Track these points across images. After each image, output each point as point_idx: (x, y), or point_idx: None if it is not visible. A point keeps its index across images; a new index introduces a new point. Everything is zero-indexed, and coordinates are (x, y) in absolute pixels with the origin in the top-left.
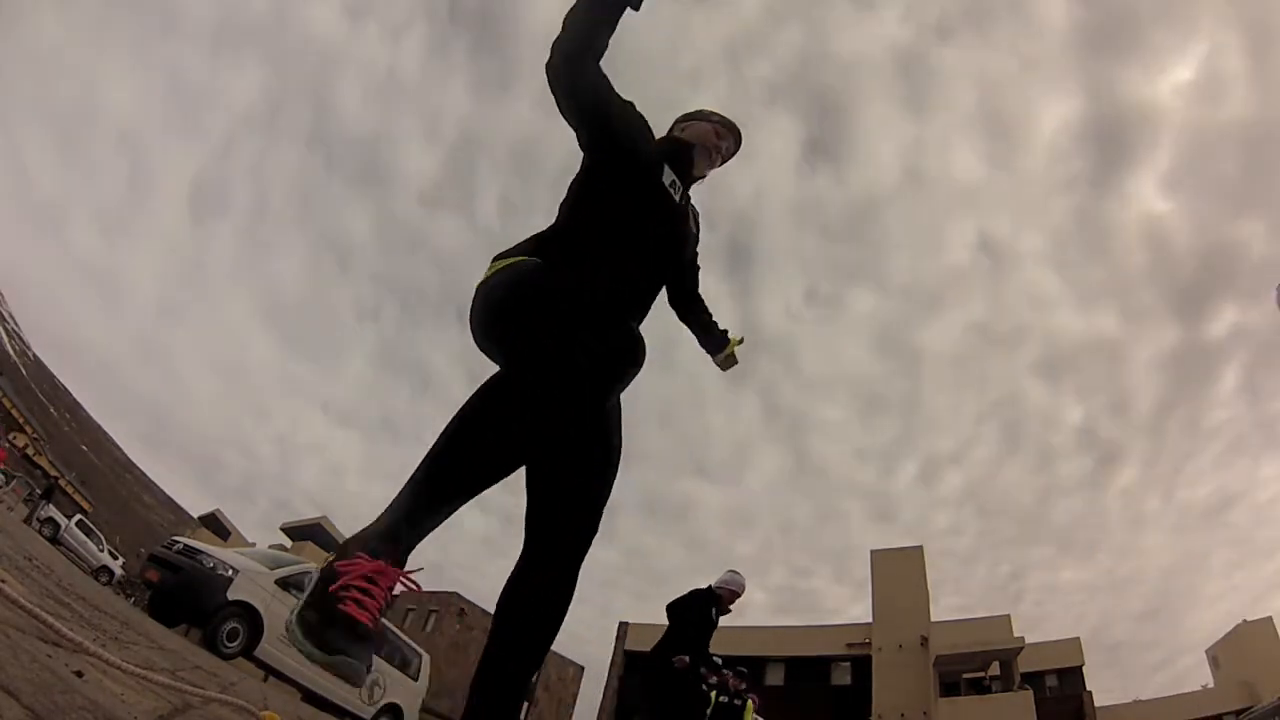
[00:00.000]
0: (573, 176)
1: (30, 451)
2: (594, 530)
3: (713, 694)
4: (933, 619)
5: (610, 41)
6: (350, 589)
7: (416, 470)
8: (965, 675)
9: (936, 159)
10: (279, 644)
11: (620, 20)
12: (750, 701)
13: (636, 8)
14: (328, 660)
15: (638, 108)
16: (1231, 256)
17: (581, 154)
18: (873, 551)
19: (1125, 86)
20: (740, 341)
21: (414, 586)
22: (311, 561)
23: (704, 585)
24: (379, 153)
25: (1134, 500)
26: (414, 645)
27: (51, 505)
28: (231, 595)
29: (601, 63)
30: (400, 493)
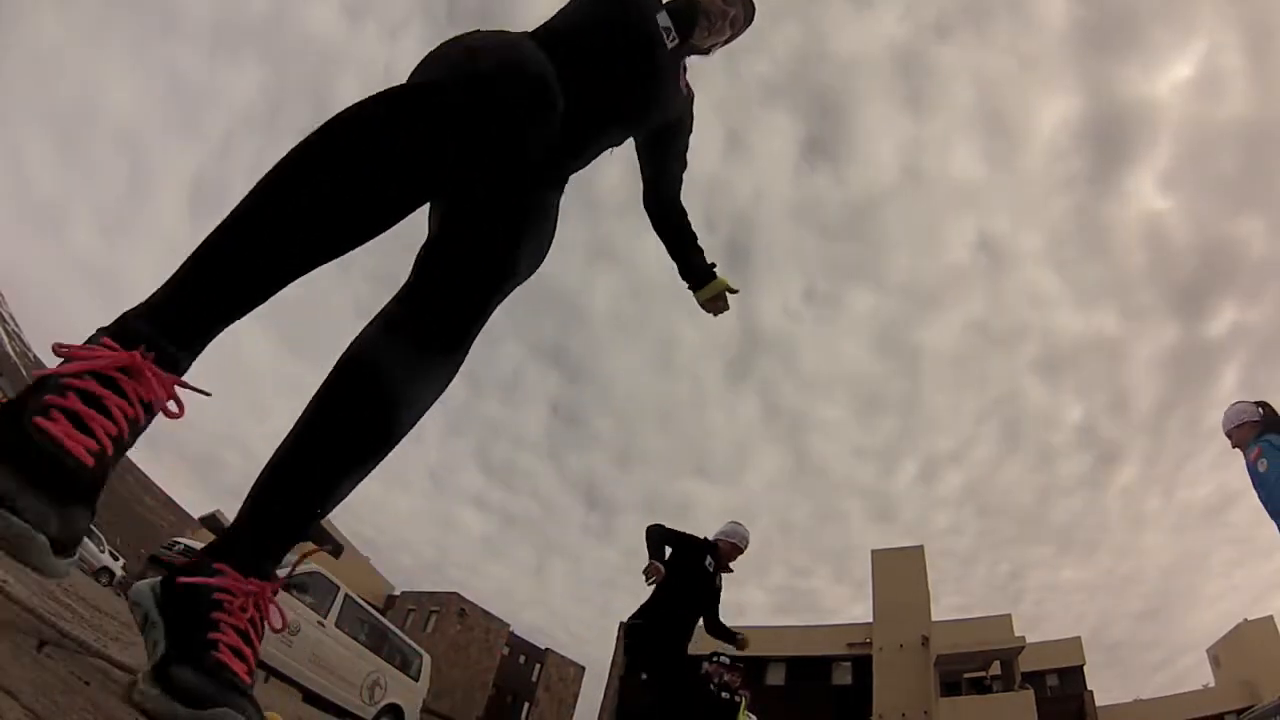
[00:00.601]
0: None
1: None
2: (470, 323)
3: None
4: (933, 619)
5: None
6: (66, 393)
7: (235, 211)
8: (966, 675)
9: (935, 158)
10: (279, 644)
11: None
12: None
13: None
14: None
15: None
16: (1231, 254)
17: None
18: (873, 551)
19: (1124, 84)
20: (732, 289)
21: (201, 391)
22: (313, 561)
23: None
24: None
25: (1134, 499)
26: (414, 645)
27: None
28: None
29: None
30: (202, 249)
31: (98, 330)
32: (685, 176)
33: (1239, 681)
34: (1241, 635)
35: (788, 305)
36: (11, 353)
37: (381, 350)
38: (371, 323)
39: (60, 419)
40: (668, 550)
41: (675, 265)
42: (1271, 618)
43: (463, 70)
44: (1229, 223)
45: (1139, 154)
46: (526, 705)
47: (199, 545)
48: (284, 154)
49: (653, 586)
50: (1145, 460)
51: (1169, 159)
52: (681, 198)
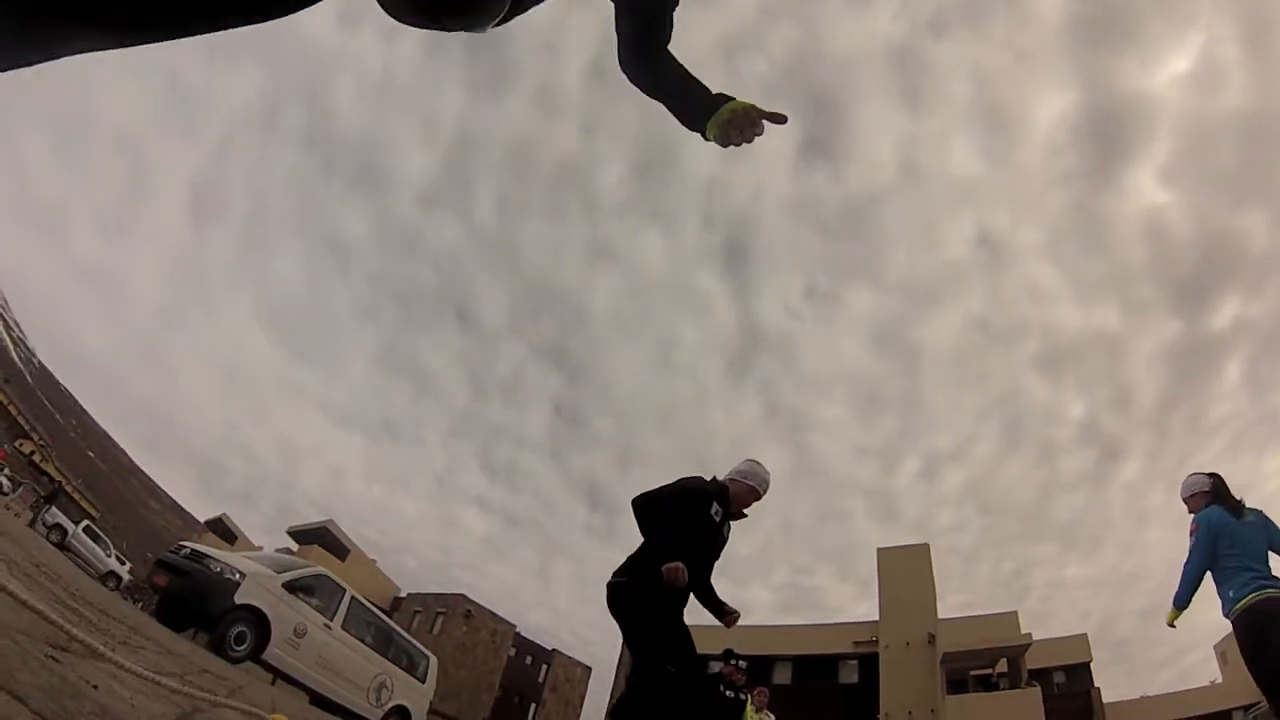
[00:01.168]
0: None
1: (37, 458)
2: None
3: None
4: (939, 616)
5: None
6: None
7: None
8: (972, 672)
9: (933, 154)
10: (287, 647)
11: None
12: (751, 697)
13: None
14: None
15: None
16: (1232, 248)
17: None
18: (879, 550)
19: (1122, 78)
20: (767, 111)
21: None
22: (318, 565)
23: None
24: (376, 153)
25: (1137, 495)
26: (421, 647)
27: (56, 510)
28: (239, 599)
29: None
30: None
31: None
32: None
33: (1246, 677)
34: None
35: (788, 304)
36: (17, 359)
37: None
38: None
39: None
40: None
41: (678, 115)
42: None
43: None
44: (1230, 216)
45: (1138, 148)
46: (533, 706)
47: (205, 549)
48: None
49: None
50: (1148, 456)
51: (1168, 153)
52: None
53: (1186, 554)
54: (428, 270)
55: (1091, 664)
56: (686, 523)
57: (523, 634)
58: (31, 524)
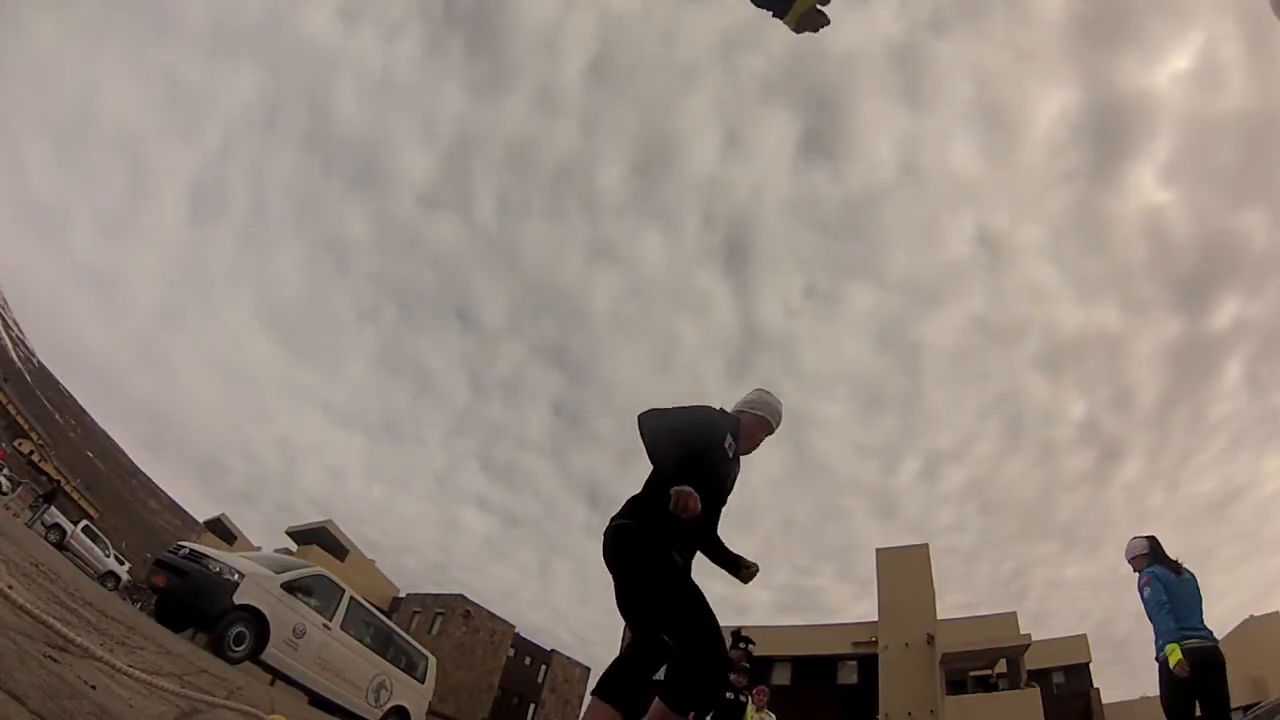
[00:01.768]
0: None
1: (36, 458)
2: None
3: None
4: (938, 617)
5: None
6: None
7: None
8: (972, 673)
9: (933, 153)
10: (286, 648)
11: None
12: (751, 696)
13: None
14: None
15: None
16: (1233, 247)
17: None
18: (878, 550)
19: (1122, 77)
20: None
21: None
22: (317, 565)
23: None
24: (376, 153)
25: (1138, 495)
26: (420, 648)
27: (55, 510)
28: (238, 599)
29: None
30: None
31: None
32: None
33: (1245, 678)
34: (1248, 631)
35: (788, 303)
36: (16, 359)
37: None
38: None
39: None
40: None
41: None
42: (1278, 613)
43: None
44: (1230, 215)
45: (1138, 147)
46: (532, 706)
47: (204, 549)
48: None
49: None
50: (1149, 456)
51: (1169, 152)
52: None
53: (1143, 605)
54: (428, 270)
55: (1091, 664)
56: (701, 451)
57: (522, 634)
58: (30, 524)
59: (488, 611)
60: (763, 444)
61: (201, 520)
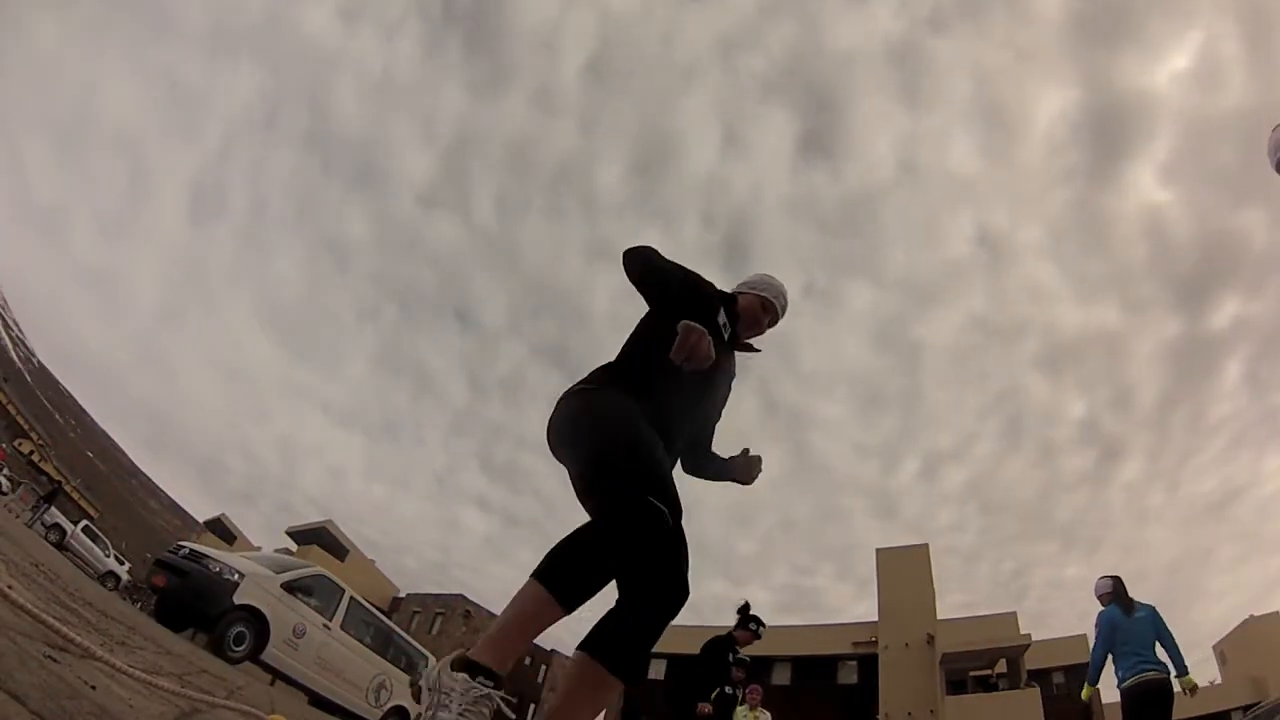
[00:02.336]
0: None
1: (36, 458)
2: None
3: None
4: (938, 617)
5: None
6: None
7: None
8: (972, 673)
9: (932, 152)
10: (285, 648)
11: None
12: (744, 694)
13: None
14: None
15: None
16: (1233, 247)
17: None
18: (878, 550)
19: (1122, 76)
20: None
21: None
22: (317, 565)
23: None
24: (375, 153)
25: (1138, 495)
26: (420, 648)
27: (55, 510)
28: (238, 599)
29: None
30: None
31: None
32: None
33: (1246, 677)
34: (1248, 631)
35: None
36: (16, 359)
37: None
38: None
39: None
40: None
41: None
42: (1278, 613)
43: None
44: (1230, 215)
45: (1138, 146)
46: (532, 707)
47: (204, 549)
48: None
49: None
50: (1149, 455)
51: (1168, 151)
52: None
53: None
54: (427, 270)
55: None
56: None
57: None
58: (30, 524)
59: (488, 611)
60: (765, 334)
61: (201, 520)
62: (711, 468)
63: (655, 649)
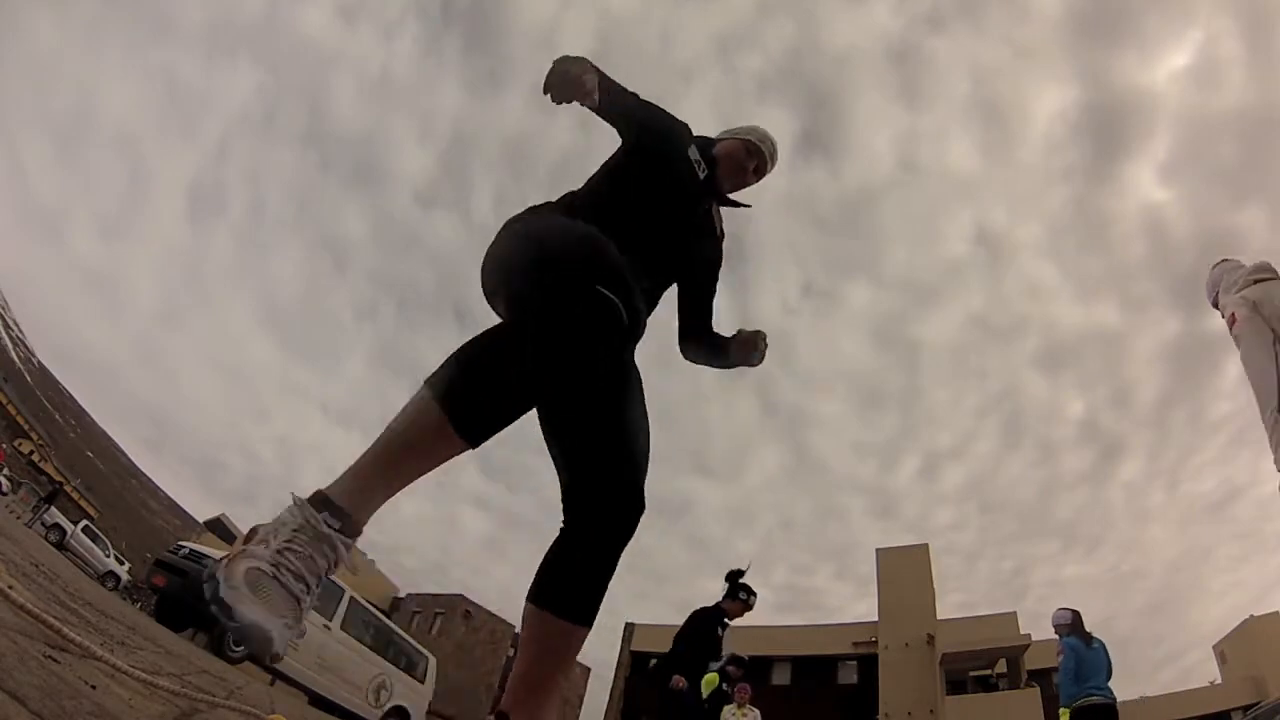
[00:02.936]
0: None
1: (36, 458)
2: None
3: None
4: (938, 617)
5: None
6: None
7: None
8: (972, 673)
9: (931, 150)
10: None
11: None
12: (735, 694)
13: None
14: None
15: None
16: (1232, 245)
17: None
18: (878, 550)
19: (1121, 74)
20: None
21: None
22: None
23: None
24: (374, 152)
25: (1138, 494)
26: (420, 648)
27: (55, 510)
28: None
29: (597, 61)
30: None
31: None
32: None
33: (1246, 677)
34: (1248, 631)
35: (785, 300)
36: (16, 359)
37: None
38: None
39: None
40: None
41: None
42: (1278, 613)
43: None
44: (1229, 213)
45: (1137, 145)
46: None
47: (204, 549)
48: None
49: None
50: (1149, 454)
51: (1167, 149)
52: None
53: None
54: (426, 268)
55: None
56: (697, 643)
57: None
58: (30, 524)
59: (488, 611)
60: (753, 184)
61: (201, 520)
62: (708, 346)
63: (651, 649)
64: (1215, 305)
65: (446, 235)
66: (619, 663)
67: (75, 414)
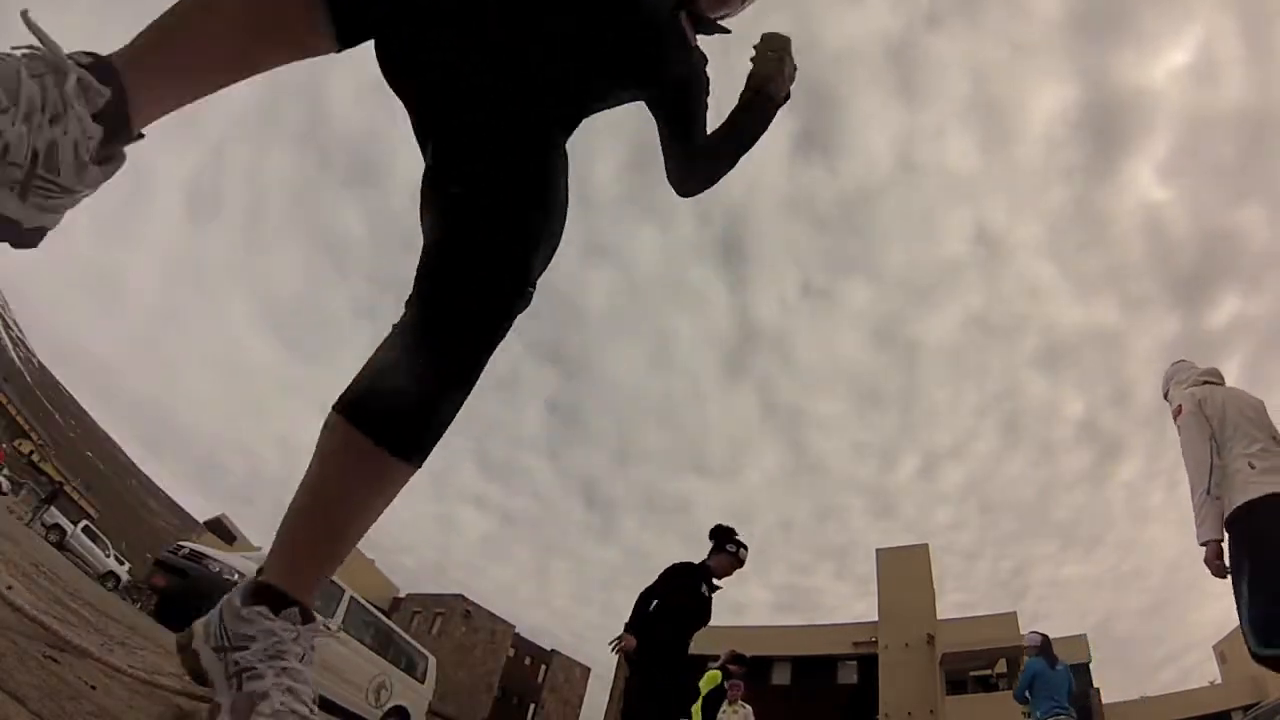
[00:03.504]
0: None
1: (36, 458)
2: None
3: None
4: (938, 617)
5: None
6: None
7: None
8: (972, 673)
9: (930, 149)
10: None
11: None
12: (728, 689)
13: None
14: None
15: None
16: (1232, 244)
17: None
18: (878, 550)
19: (1120, 72)
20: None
21: None
22: None
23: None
24: (372, 150)
25: (1137, 494)
26: (420, 648)
27: (55, 510)
28: None
29: None
30: None
31: None
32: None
33: (1246, 677)
34: None
35: (784, 299)
36: (16, 359)
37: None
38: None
39: None
40: None
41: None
42: None
43: None
44: (1229, 212)
45: (1136, 143)
46: (532, 707)
47: (204, 549)
48: None
49: None
50: (1148, 454)
51: (1167, 148)
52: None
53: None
54: None
55: (1091, 664)
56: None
57: (522, 634)
58: (30, 523)
59: (488, 611)
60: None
61: (201, 520)
62: (704, 158)
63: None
64: (1166, 397)
65: None
66: (619, 663)
67: (75, 414)
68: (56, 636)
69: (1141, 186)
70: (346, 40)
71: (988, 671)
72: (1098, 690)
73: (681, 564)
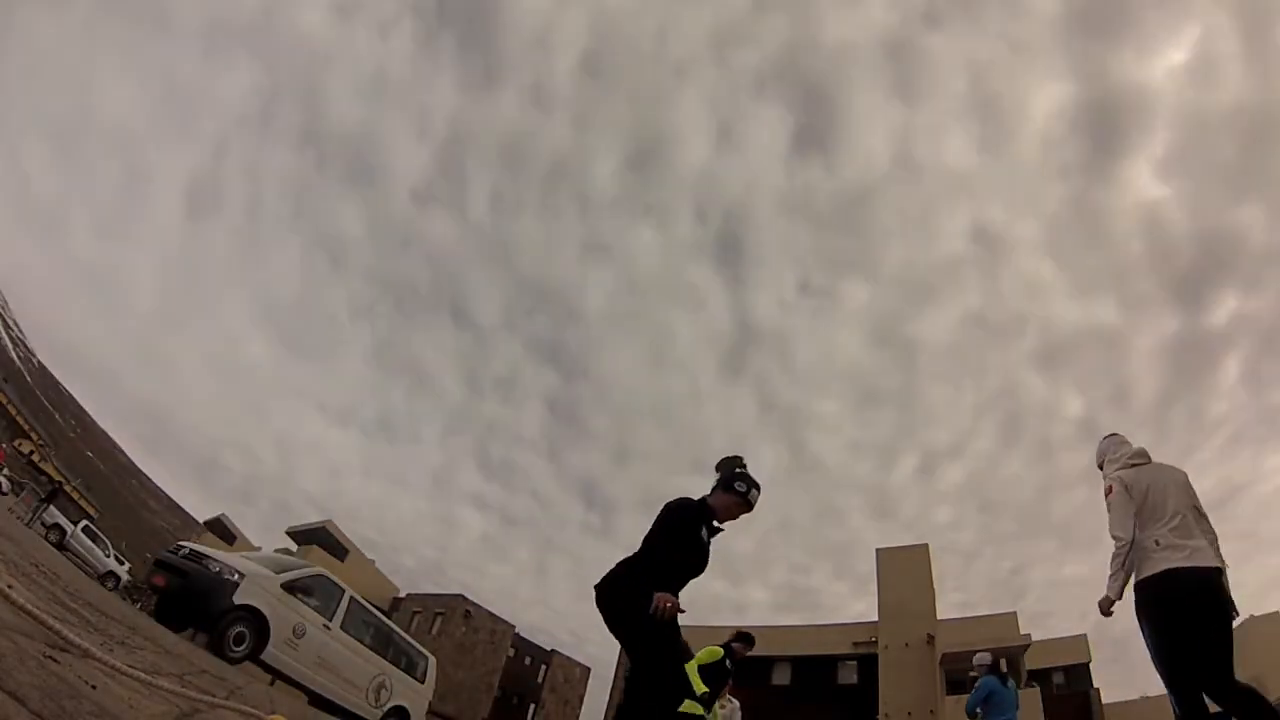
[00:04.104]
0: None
1: (36, 458)
2: None
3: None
4: (938, 617)
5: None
6: None
7: None
8: (972, 673)
9: (928, 147)
10: (285, 648)
11: None
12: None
13: None
14: None
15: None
16: (1231, 243)
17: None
18: (878, 550)
19: (1118, 70)
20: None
21: None
22: (318, 565)
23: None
24: (370, 150)
25: None
26: (420, 648)
27: (55, 509)
28: (238, 599)
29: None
30: None
31: None
32: None
33: (1245, 678)
34: (1247, 631)
35: (782, 298)
36: (16, 359)
37: None
38: None
39: None
40: None
41: None
42: (1277, 613)
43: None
44: (1228, 210)
45: (1135, 141)
46: (532, 706)
47: (204, 548)
48: None
49: None
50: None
51: (1165, 146)
52: None
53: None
54: (422, 267)
55: (1091, 664)
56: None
57: (521, 634)
58: (30, 523)
59: (488, 611)
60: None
61: (201, 520)
62: None
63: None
64: (1100, 467)
65: (443, 233)
66: (619, 663)
67: (75, 414)
68: (56, 636)
69: (1140, 185)
70: None
71: None
72: (1098, 690)
73: (679, 501)
